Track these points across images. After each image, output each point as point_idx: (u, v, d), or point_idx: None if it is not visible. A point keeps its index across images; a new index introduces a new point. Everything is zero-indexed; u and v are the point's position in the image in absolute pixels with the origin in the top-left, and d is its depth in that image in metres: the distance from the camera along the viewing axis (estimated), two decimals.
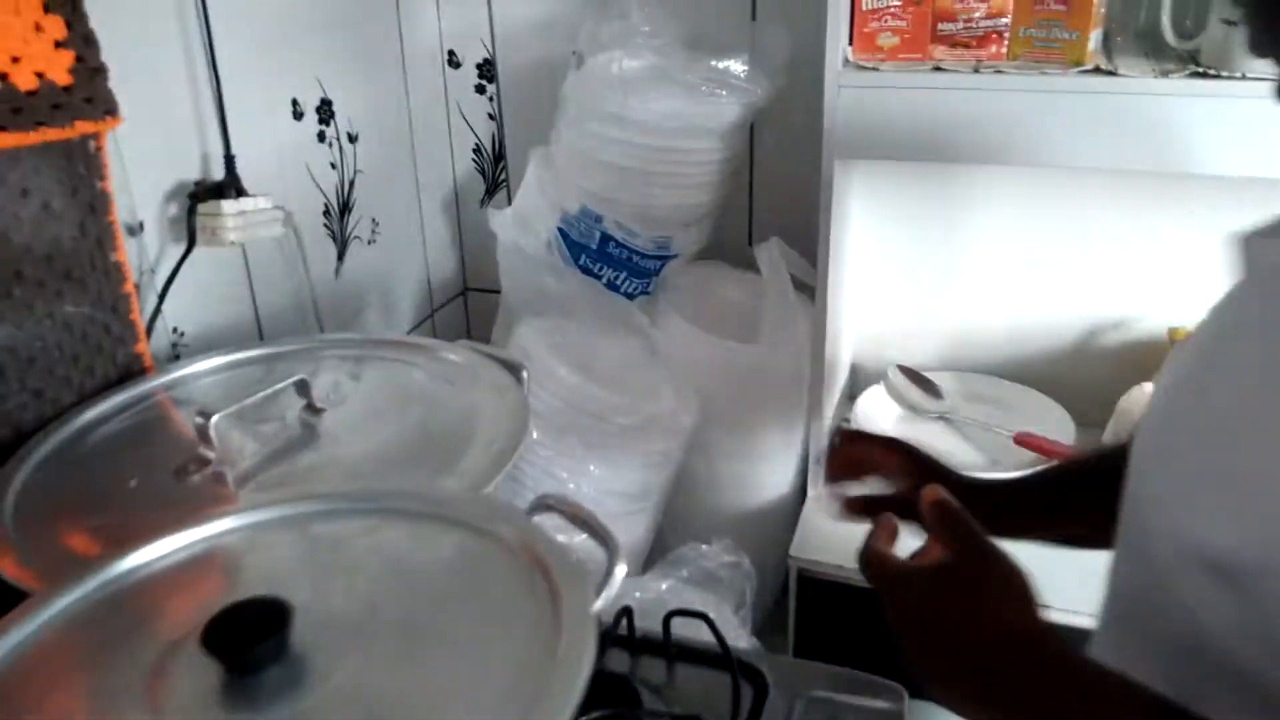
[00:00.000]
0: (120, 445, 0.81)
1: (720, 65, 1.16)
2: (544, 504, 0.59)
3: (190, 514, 0.55)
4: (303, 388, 0.81)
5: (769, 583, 1.29)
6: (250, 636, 0.45)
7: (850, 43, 1.09)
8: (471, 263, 1.55)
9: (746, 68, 1.17)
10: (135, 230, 0.95)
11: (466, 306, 1.58)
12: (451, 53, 1.44)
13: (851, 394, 1.38)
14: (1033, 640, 0.50)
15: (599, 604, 0.55)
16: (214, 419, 0.74)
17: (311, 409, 0.81)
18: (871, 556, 0.60)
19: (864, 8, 1.07)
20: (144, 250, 0.96)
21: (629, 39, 1.17)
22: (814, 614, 1.25)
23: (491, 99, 1.45)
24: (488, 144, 1.48)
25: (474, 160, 1.50)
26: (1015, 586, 0.53)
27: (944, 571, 0.55)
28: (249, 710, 0.44)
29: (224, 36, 1.01)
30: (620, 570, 0.55)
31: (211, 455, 0.74)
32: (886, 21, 1.08)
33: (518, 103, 1.44)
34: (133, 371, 0.90)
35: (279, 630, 0.46)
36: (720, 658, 0.88)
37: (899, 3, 1.07)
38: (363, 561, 0.52)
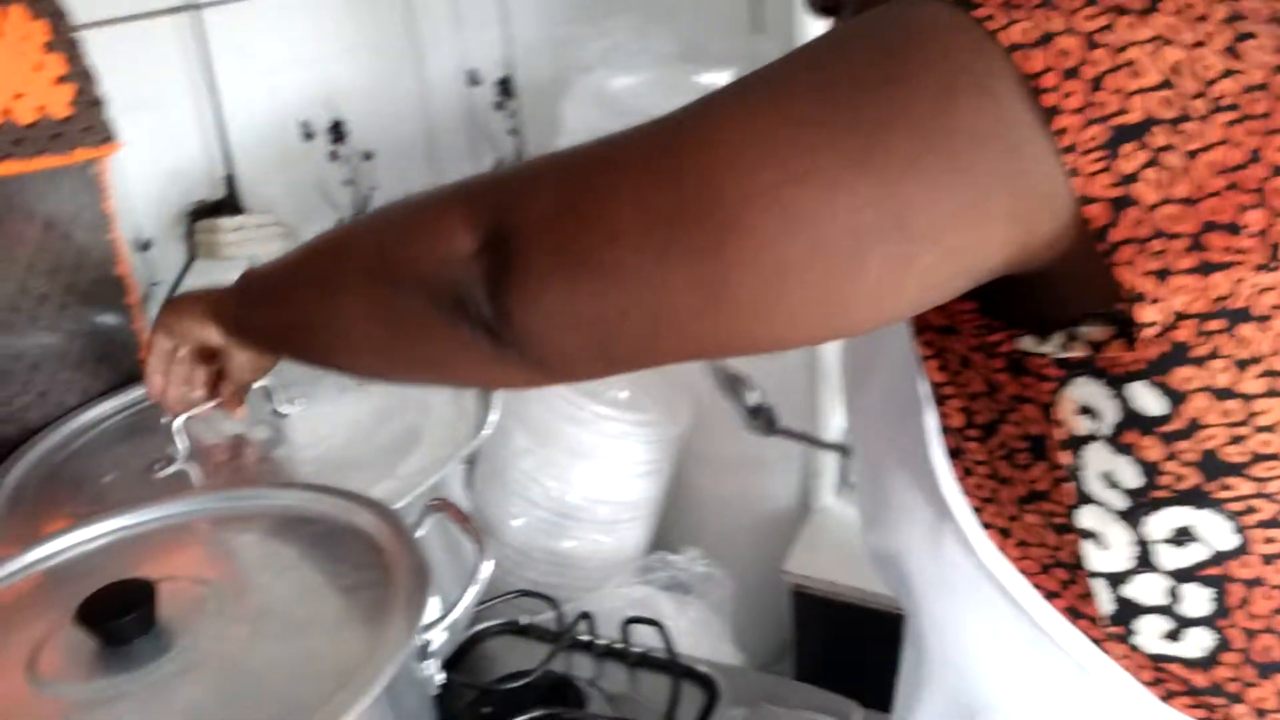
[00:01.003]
0: (110, 443, 0.89)
1: (707, 79, 1.18)
2: (432, 506, 0.63)
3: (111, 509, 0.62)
4: (267, 394, 0.87)
5: (776, 601, 1.28)
6: (119, 612, 0.51)
7: None
8: None
9: None
10: (145, 246, 1.04)
11: None
12: (472, 72, 1.50)
13: None
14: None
15: (468, 598, 0.58)
16: (179, 419, 0.80)
17: (276, 413, 0.87)
18: None
19: None
20: (150, 265, 1.04)
21: (620, 55, 1.20)
22: (820, 633, 1.24)
23: (512, 115, 1.51)
24: (510, 158, 1.54)
25: None
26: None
27: None
28: (120, 674, 0.50)
29: (227, 69, 1.09)
30: (487, 567, 0.58)
31: (177, 454, 0.80)
32: None
33: (537, 118, 1.49)
34: (134, 376, 0.98)
35: (144, 606, 0.51)
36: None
37: None
38: (241, 552, 0.57)
